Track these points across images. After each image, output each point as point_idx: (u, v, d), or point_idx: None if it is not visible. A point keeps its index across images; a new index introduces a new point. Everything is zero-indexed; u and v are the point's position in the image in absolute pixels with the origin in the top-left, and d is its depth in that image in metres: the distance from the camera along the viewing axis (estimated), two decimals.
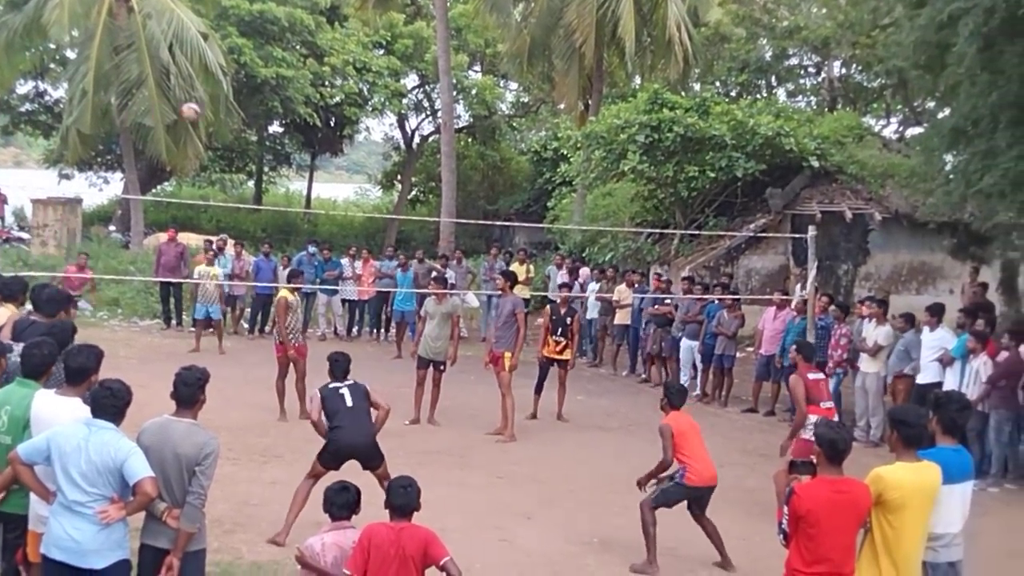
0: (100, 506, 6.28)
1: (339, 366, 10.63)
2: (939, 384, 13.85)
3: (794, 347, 12.23)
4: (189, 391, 6.87)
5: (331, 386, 10.31)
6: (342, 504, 6.75)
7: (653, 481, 9.97)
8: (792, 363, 12.17)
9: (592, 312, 21.18)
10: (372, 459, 9.98)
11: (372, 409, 10.23)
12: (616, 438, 15.28)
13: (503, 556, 9.30)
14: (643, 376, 19.98)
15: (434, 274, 18.42)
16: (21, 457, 6.48)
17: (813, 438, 10.77)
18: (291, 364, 15.04)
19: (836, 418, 11.47)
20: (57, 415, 6.72)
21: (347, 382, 10.36)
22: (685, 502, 9.96)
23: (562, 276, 22.04)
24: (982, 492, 11.74)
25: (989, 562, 9.55)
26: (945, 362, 14.16)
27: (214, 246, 22.70)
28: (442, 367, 15.42)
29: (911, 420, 6.64)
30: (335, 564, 6.51)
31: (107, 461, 6.27)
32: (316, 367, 15.24)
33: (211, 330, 20.36)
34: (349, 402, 10.05)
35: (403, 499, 6.61)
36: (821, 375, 12.12)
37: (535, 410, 16.07)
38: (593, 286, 21.19)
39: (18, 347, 7.81)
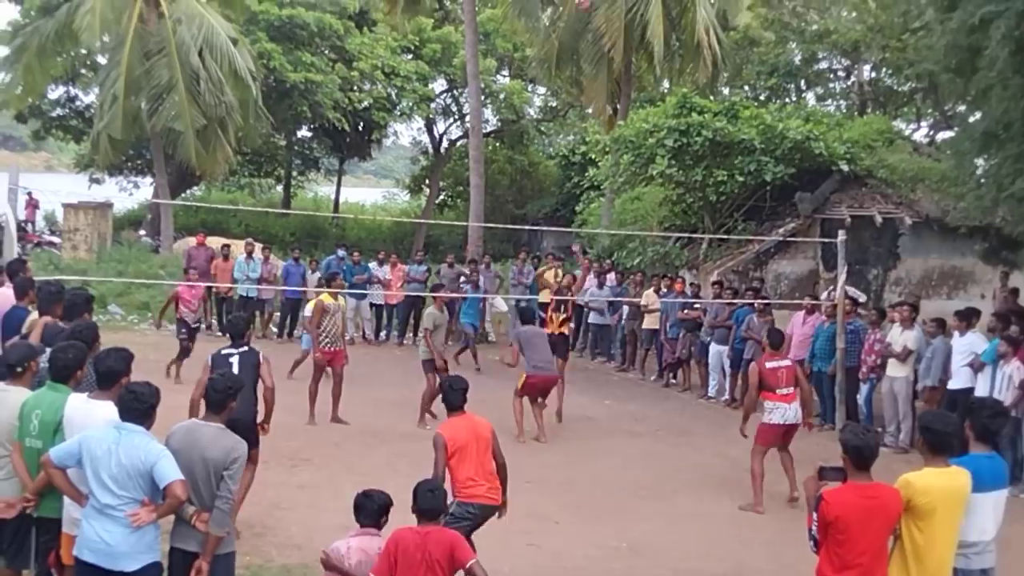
0: (131, 509, 6.32)
1: (235, 328, 10.55)
2: (970, 390, 13.73)
3: (767, 333, 13.08)
4: (219, 397, 6.92)
5: (223, 351, 10.19)
6: (367, 512, 6.77)
7: None
8: (762, 349, 13.03)
9: (608, 317, 21.29)
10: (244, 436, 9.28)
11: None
12: (644, 443, 15.26)
13: (531, 560, 9.31)
14: (664, 381, 19.97)
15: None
16: (53, 461, 6.54)
17: (772, 422, 12.06)
18: (329, 368, 15.12)
19: (796, 404, 12.25)
20: (90, 419, 6.77)
21: (241, 348, 10.17)
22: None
23: (590, 280, 22.06)
24: (1014, 499, 11.64)
25: (1021, 569, 9.47)
26: (976, 367, 14.03)
27: (244, 250, 22.88)
28: (425, 367, 15.69)
29: (937, 426, 6.60)
30: (359, 567, 6.52)
31: (137, 464, 6.31)
32: (347, 371, 15.39)
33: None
34: (235, 369, 9.77)
35: (430, 503, 6.62)
36: (785, 363, 12.52)
37: (558, 407, 16.15)
38: (607, 290, 21.36)
39: (48, 352, 7.87)
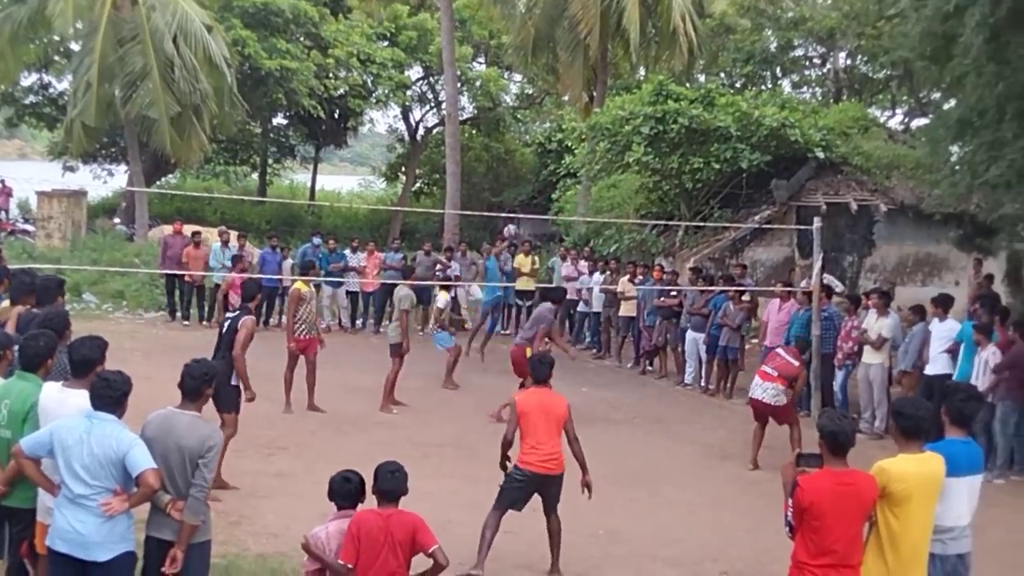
0: (103, 499, 6.28)
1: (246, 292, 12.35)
2: (948, 376, 13.82)
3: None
4: (195, 384, 6.86)
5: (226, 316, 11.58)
6: (345, 494, 6.75)
7: None
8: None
9: (596, 304, 21.18)
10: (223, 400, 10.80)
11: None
12: (621, 430, 15.28)
13: (508, 548, 9.30)
14: (641, 369, 20.03)
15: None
16: (24, 451, 6.48)
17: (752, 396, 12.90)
18: (302, 356, 15.07)
19: (773, 387, 12.97)
20: (64, 407, 6.71)
21: (234, 313, 11.52)
22: None
23: (567, 268, 22.03)
24: (988, 484, 11.70)
25: (996, 554, 9.55)
26: (952, 351, 14.11)
27: (219, 238, 22.76)
28: (394, 351, 15.65)
29: (909, 412, 6.61)
30: (339, 552, 6.51)
31: (109, 453, 6.26)
32: (320, 359, 15.35)
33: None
34: (223, 331, 11.28)
35: (391, 484, 6.62)
36: (789, 357, 13.27)
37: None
38: (597, 277, 21.19)
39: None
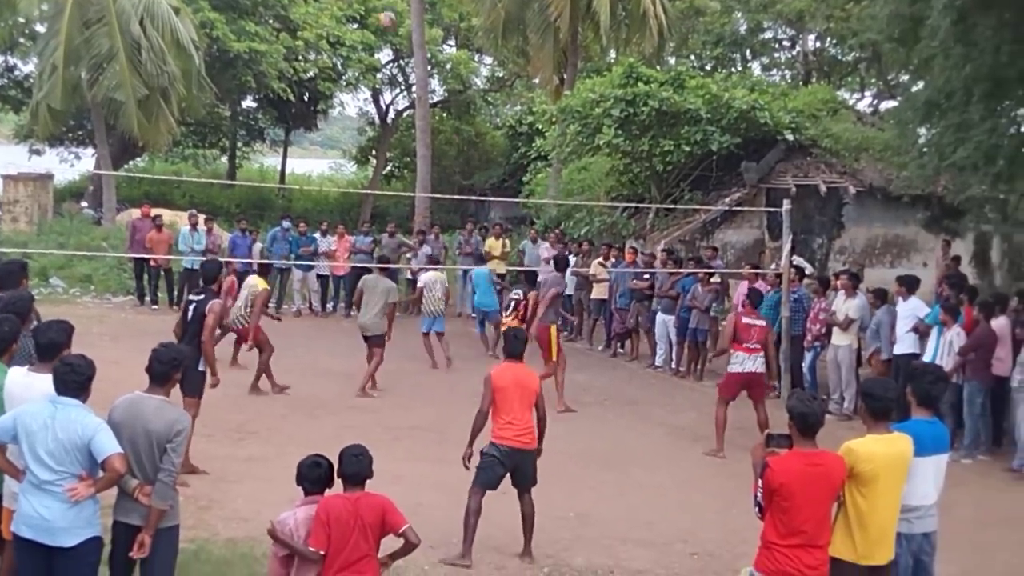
0: (69, 484, 6.23)
1: (207, 272, 11.81)
2: (914, 355, 13.91)
3: (747, 292, 14.19)
4: (163, 368, 6.81)
5: (190, 296, 11.79)
6: (314, 479, 6.71)
7: None
8: (741, 304, 14.31)
9: (568, 287, 21.15)
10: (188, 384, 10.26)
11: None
12: (592, 412, 15.31)
13: (478, 531, 9.31)
14: (612, 351, 20.07)
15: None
16: None
17: (733, 371, 13.07)
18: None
19: (760, 357, 13.21)
20: (29, 391, 6.64)
21: (199, 296, 11.34)
22: None
23: (545, 249, 21.91)
24: (955, 463, 11.81)
25: (963, 533, 9.63)
26: (921, 331, 14.17)
27: (187, 222, 22.65)
28: (378, 342, 15.61)
29: (878, 393, 6.66)
30: (308, 538, 6.48)
31: (74, 438, 6.21)
32: (291, 343, 15.31)
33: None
34: (190, 315, 11.18)
35: (355, 467, 6.60)
36: (760, 322, 13.43)
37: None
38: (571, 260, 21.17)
39: None
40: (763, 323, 13.46)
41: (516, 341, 9.54)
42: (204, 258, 21.24)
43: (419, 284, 18.71)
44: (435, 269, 19.81)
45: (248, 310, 15.24)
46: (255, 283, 15.67)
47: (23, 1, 26.37)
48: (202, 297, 11.28)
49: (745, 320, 13.31)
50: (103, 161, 31.05)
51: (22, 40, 35.27)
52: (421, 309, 18.42)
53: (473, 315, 20.62)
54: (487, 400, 9.21)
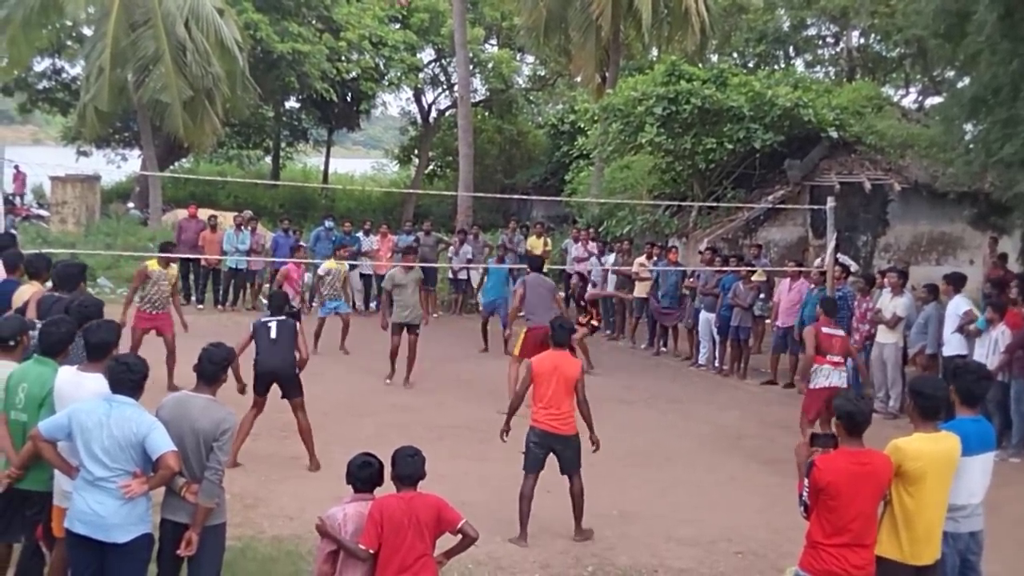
0: (123, 481, 6.32)
1: (273, 302, 12.58)
2: (963, 356, 13.74)
3: (819, 302, 13.76)
4: (213, 368, 6.91)
5: (263, 320, 11.82)
6: (364, 478, 6.74)
7: None
8: (816, 317, 13.67)
9: (610, 286, 21.14)
10: (289, 387, 11.54)
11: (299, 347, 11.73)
12: (636, 411, 15.29)
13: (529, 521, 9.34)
14: (655, 350, 20.07)
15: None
16: (43, 434, 6.53)
17: (818, 386, 12.42)
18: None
19: (844, 372, 12.69)
20: (80, 391, 6.76)
21: (278, 318, 11.73)
22: None
23: (577, 249, 21.96)
24: (1003, 462, 11.70)
25: (1009, 532, 9.55)
26: (972, 334, 13.94)
27: (233, 222, 22.86)
28: (417, 330, 16.13)
29: (928, 391, 6.63)
30: (355, 534, 6.52)
31: (129, 436, 6.30)
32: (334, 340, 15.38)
33: None
34: (273, 335, 11.48)
35: (409, 468, 6.62)
36: (839, 332, 13.02)
37: None
38: (609, 259, 21.15)
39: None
40: (843, 333, 13.16)
41: (561, 331, 9.99)
42: (248, 258, 21.72)
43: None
44: (473, 268, 19.91)
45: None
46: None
47: (70, 4, 26.63)
48: (283, 318, 11.80)
49: (825, 330, 12.72)
50: (149, 162, 31.36)
51: (69, 43, 35.74)
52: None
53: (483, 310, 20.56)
54: (524, 384, 9.84)
